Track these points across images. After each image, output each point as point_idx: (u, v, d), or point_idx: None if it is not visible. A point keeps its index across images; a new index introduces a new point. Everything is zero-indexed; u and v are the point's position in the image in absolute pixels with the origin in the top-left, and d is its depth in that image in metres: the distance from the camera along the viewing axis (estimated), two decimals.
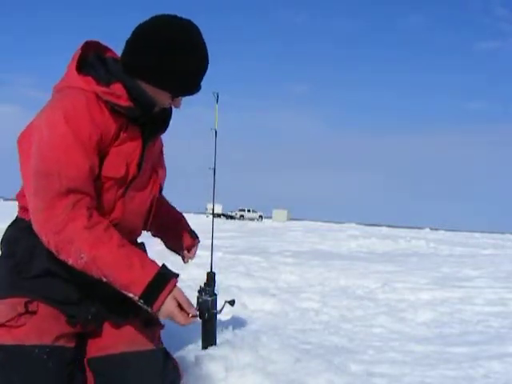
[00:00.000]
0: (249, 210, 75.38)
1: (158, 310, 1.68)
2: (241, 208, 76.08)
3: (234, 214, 73.63)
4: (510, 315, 4.53)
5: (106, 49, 1.91)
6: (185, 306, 1.70)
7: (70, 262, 1.67)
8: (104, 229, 1.68)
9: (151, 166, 1.96)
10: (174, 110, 1.95)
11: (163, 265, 1.73)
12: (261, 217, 73.68)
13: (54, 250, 1.68)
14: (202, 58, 1.82)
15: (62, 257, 1.68)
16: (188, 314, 1.71)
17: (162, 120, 1.94)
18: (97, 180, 1.76)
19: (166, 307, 1.68)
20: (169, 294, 1.67)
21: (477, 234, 40.54)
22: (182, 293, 1.71)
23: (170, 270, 1.74)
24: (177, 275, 1.74)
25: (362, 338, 3.49)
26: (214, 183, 2.60)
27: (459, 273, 8.02)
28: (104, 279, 1.67)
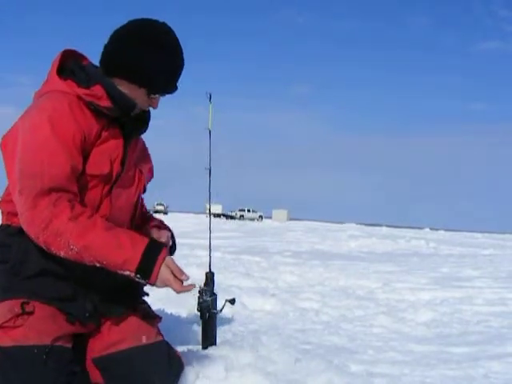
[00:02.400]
0: (249, 210, 75.35)
1: (155, 280, 1.73)
2: (241, 208, 76.04)
3: (233, 213, 73.60)
4: (509, 315, 4.53)
5: (83, 57, 1.98)
6: (176, 273, 1.74)
7: (62, 254, 1.70)
8: (88, 217, 1.72)
9: (135, 165, 2.02)
10: (153, 111, 2.01)
11: (151, 238, 1.81)
12: (261, 217, 73.65)
13: (43, 246, 1.71)
14: (176, 56, 1.91)
15: (53, 250, 1.70)
16: (181, 281, 1.75)
17: (143, 121, 2.00)
18: (82, 178, 1.81)
19: (162, 276, 1.72)
20: (162, 264, 1.72)
21: (477, 234, 40.52)
22: (173, 260, 1.77)
23: (159, 242, 1.82)
24: (166, 245, 1.81)
25: (362, 338, 3.49)
26: (210, 183, 2.62)
27: (459, 273, 8.02)
28: (98, 264, 1.71)
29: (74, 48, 1.97)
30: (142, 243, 1.73)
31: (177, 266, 1.75)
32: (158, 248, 1.75)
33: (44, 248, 1.72)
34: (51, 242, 1.69)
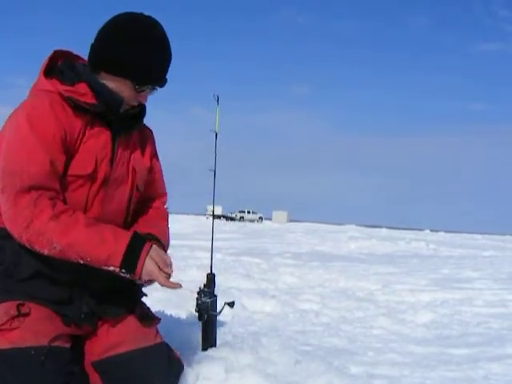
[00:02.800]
0: (249, 212, 75.27)
1: (140, 274, 1.72)
2: (241, 209, 75.97)
3: (233, 215, 73.48)
4: (509, 317, 4.53)
5: (78, 58, 1.96)
6: (161, 265, 1.75)
7: (46, 252, 1.70)
8: (69, 215, 1.71)
9: (127, 162, 1.96)
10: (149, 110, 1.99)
11: (135, 231, 1.79)
12: (261, 218, 73.57)
13: (27, 244, 1.71)
14: (162, 48, 1.87)
15: (37, 249, 1.70)
16: (167, 275, 1.76)
17: (132, 117, 1.96)
18: (67, 178, 1.79)
19: (146, 269, 1.73)
20: (146, 256, 1.73)
21: (477, 236, 40.54)
22: (158, 252, 1.77)
23: (143, 234, 1.81)
24: (150, 238, 1.81)
25: (361, 340, 3.49)
26: (214, 185, 2.61)
27: (459, 274, 8.03)
28: (82, 261, 1.70)
29: (69, 49, 1.94)
30: (125, 237, 1.73)
31: (162, 259, 1.76)
32: (141, 241, 1.75)
33: (28, 247, 1.72)
34: (34, 241, 1.69)
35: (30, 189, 1.69)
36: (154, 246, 1.79)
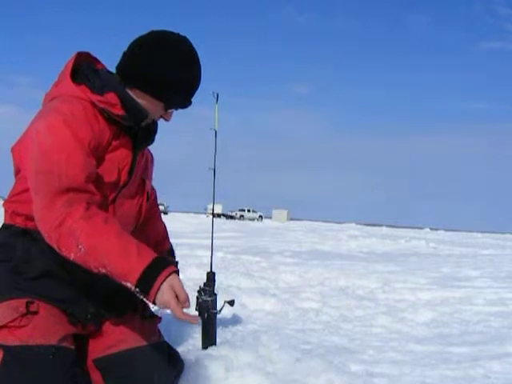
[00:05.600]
0: (249, 210, 75.34)
1: (155, 297, 1.61)
2: (241, 208, 76.06)
3: (234, 213, 73.58)
4: (510, 315, 4.53)
5: (97, 61, 1.97)
6: (180, 297, 1.61)
7: (72, 256, 1.64)
8: (102, 218, 1.67)
9: (140, 174, 2.02)
10: (159, 123, 2.02)
11: (163, 255, 1.79)
12: (261, 217, 73.64)
13: (55, 246, 1.67)
14: (199, 73, 1.92)
15: (64, 252, 1.66)
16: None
17: (151, 132, 2.01)
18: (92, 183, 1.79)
19: (162, 296, 1.60)
20: (164, 281, 1.60)
21: (477, 234, 40.57)
22: (181, 284, 1.64)
23: (169, 259, 1.76)
24: (175, 263, 1.73)
25: (361, 338, 3.49)
26: (214, 184, 2.61)
27: (459, 273, 8.02)
28: (102, 270, 1.63)
29: (88, 51, 1.95)
30: (148, 257, 1.63)
31: (182, 290, 1.62)
32: (163, 264, 1.64)
33: (56, 249, 1.68)
34: (63, 243, 1.64)
35: (68, 190, 1.67)
36: (175, 275, 1.64)
